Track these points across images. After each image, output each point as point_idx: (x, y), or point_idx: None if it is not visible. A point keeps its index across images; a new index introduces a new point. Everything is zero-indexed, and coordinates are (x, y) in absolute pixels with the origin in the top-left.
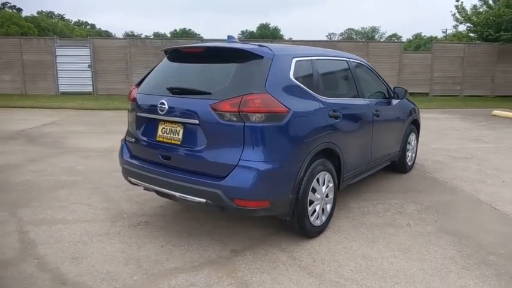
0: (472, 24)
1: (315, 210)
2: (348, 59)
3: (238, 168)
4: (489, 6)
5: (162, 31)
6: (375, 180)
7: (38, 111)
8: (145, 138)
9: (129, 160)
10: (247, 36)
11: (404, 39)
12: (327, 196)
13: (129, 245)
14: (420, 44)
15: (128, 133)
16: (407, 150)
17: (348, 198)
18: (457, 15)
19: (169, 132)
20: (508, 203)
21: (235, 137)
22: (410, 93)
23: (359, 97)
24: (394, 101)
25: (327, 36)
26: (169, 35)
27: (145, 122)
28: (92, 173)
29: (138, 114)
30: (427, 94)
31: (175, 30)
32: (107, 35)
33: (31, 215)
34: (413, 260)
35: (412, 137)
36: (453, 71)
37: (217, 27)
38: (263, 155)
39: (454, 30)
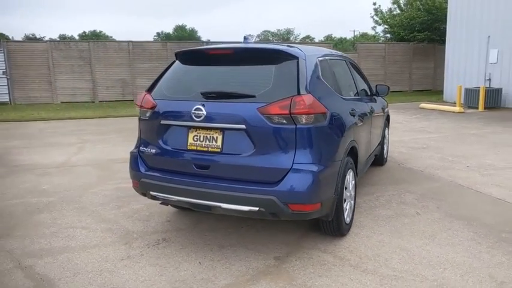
0: (388, 25)
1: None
2: (344, 58)
3: (292, 172)
4: (401, 10)
5: (68, 33)
6: (363, 175)
7: None
8: (169, 148)
9: (149, 173)
10: (163, 37)
11: (317, 40)
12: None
13: (163, 267)
14: (333, 44)
15: (143, 143)
16: (384, 143)
17: None
18: (375, 17)
19: (204, 140)
20: (483, 185)
21: (287, 140)
22: None
23: (358, 95)
24: (377, 98)
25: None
26: (77, 38)
27: (169, 130)
28: (63, 192)
29: (163, 122)
30: None
31: (84, 32)
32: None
33: (22, 247)
34: (444, 245)
35: (386, 131)
36: (377, 69)
37: (129, 29)
38: (314, 156)
39: (373, 31)
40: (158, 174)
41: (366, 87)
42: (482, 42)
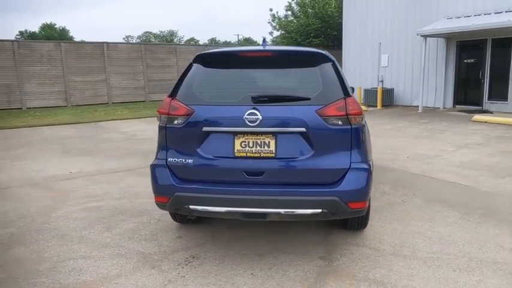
0: (286, 31)
1: None
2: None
3: (351, 171)
4: (296, 17)
5: None
6: None
7: None
8: (211, 156)
9: (186, 185)
10: (28, 37)
11: (201, 43)
12: None
13: (218, 285)
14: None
15: (172, 154)
16: None
17: None
18: (272, 23)
19: (254, 146)
20: (432, 172)
21: (344, 140)
22: None
23: None
24: None
25: (124, 38)
26: None
27: (210, 137)
28: (20, 220)
29: (205, 129)
30: None
31: None
32: None
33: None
34: (446, 225)
35: None
36: None
37: None
38: (364, 155)
39: (271, 36)
40: (198, 186)
41: None
42: (375, 48)
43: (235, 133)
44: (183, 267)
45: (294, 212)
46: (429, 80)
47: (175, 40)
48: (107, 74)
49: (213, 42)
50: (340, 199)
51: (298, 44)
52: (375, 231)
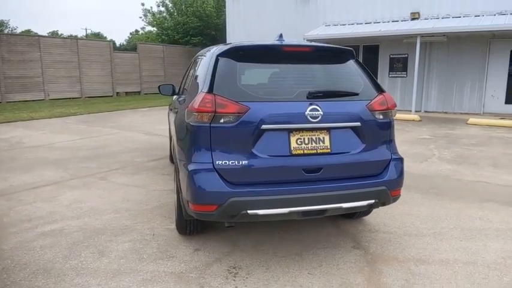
0: (162, 28)
1: None
2: None
3: (392, 162)
4: (171, 14)
5: None
6: None
7: None
8: (266, 156)
9: (240, 189)
10: None
11: (45, 34)
12: None
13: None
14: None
15: (219, 156)
16: None
17: None
18: (145, 19)
19: (310, 142)
20: None
21: (386, 133)
22: (126, 93)
23: None
24: None
25: None
26: None
27: (264, 135)
28: None
29: (264, 126)
30: (139, 93)
31: None
32: None
33: None
34: (421, 205)
35: None
36: (157, 70)
37: None
38: (396, 146)
39: (142, 31)
40: (256, 189)
41: None
42: None
43: (291, 130)
44: (234, 280)
45: (353, 205)
46: None
47: (5, 31)
48: None
49: (54, 34)
50: (387, 188)
51: (176, 42)
52: (372, 217)
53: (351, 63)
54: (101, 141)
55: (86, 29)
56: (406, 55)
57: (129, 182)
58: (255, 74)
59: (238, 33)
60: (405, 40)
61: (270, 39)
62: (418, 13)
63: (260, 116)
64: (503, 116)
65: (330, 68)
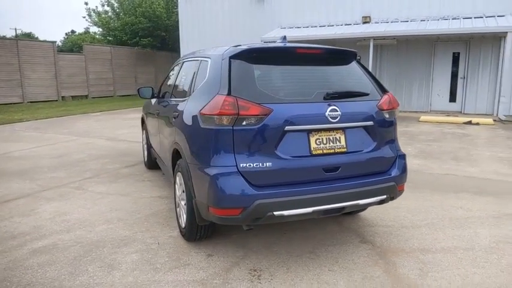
0: (108, 29)
1: None
2: None
3: (398, 159)
4: (116, 14)
5: None
6: None
7: None
8: (288, 157)
9: (266, 191)
10: None
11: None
12: None
13: None
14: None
15: (243, 158)
16: None
17: None
18: (90, 19)
19: (327, 142)
20: None
21: (392, 131)
22: (73, 97)
23: None
24: None
25: None
26: None
27: (285, 137)
28: None
29: (288, 128)
30: (86, 96)
31: None
32: None
33: None
34: (407, 199)
35: None
36: (105, 72)
37: None
38: (398, 143)
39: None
40: (280, 190)
41: None
42: None
43: (310, 131)
44: (260, 282)
45: (368, 201)
46: None
47: None
48: None
49: None
50: (396, 183)
51: (124, 43)
52: (367, 212)
53: (354, 64)
54: (61, 148)
55: (15, 29)
56: (359, 57)
57: (110, 191)
58: (271, 76)
59: (191, 34)
60: (358, 43)
61: (224, 40)
62: (369, 17)
63: (284, 118)
64: (448, 113)
65: (339, 69)
